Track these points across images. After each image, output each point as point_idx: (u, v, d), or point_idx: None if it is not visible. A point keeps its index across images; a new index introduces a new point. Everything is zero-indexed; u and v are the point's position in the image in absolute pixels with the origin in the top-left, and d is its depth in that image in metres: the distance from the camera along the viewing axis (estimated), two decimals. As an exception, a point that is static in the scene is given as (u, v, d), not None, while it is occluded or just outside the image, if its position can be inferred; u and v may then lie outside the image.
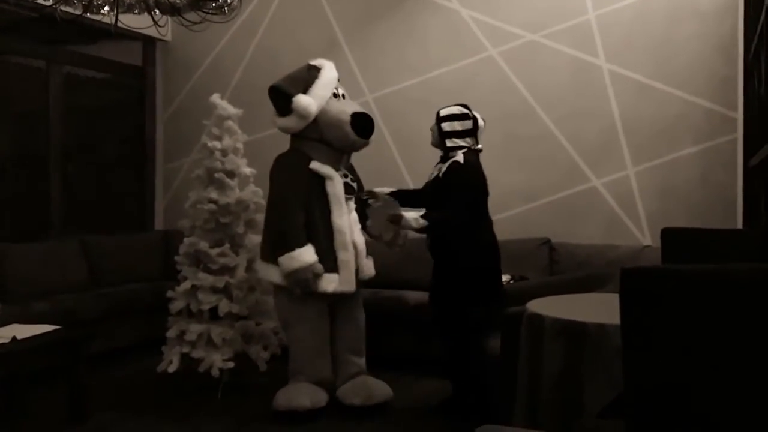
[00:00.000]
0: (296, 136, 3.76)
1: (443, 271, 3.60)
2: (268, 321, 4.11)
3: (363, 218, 3.76)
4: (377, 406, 3.69)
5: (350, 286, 3.68)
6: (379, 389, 3.74)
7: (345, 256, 3.65)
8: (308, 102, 3.63)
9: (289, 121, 3.70)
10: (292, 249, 3.52)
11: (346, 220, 3.68)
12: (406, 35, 5.38)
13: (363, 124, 3.68)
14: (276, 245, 3.61)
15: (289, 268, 3.53)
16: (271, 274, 3.68)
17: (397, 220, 3.50)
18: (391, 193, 3.72)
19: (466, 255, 3.50)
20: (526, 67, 5.00)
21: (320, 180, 3.65)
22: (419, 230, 3.53)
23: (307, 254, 3.53)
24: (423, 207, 3.62)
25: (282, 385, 3.71)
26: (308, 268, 3.52)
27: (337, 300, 3.74)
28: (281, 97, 3.69)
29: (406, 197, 3.76)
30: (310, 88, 3.68)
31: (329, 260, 3.61)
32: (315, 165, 3.65)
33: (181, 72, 6.25)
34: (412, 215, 3.50)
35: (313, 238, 3.60)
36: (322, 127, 3.68)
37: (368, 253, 3.84)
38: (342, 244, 3.65)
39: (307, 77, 3.73)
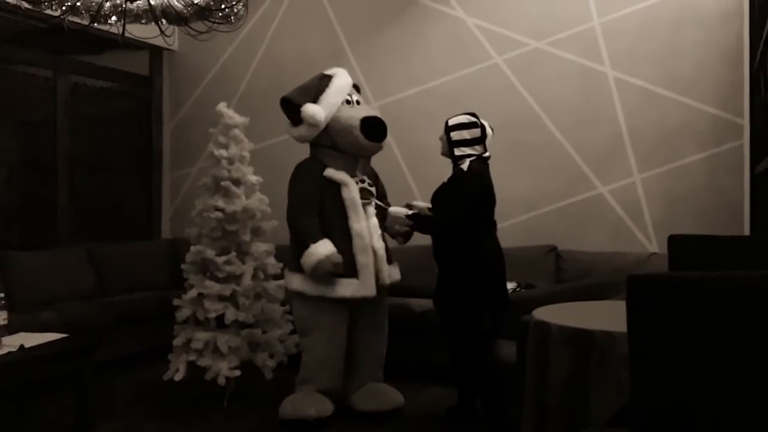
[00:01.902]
0: (312, 145, 3.81)
1: (447, 278, 3.60)
2: (275, 329, 4.11)
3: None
4: (389, 412, 3.71)
5: (370, 291, 3.66)
6: (392, 396, 3.77)
7: (364, 260, 3.64)
8: (315, 110, 3.65)
9: (300, 130, 3.75)
10: (307, 246, 3.56)
11: (365, 224, 3.68)
12: (411, 44, 5.40)
13: (373, 127, 3.70)
14: (296, 251, 3.64)
15: (309, 264, 3.55)
16: (289, 281, 3.73)
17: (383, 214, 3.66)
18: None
19: (471, 262, 3.50)
20: (532, 74, 5.00)
21: (336, 186, 3.67)
22: (411, 227, 3.65)
23: (322, 247, 3.55)
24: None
25: (288, 393, 3.71)
26: (326, 260, 3.53)
27: (359, 306, 3.73)
28: (291, 108, 3.73)
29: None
30: (320, 97, 3.71)
31: (349, 264, 3.61)
32: (329, 172, 3.68)
33: (188, 81, 6.28)
34: (401, 211, 3.62)
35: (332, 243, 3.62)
36: (333, 134, 3.70)
37: (393, 260, 3.87)
38: (361, 248, 3.65)
39: (319, 86, 3.75)
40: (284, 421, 3.59)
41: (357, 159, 3.77)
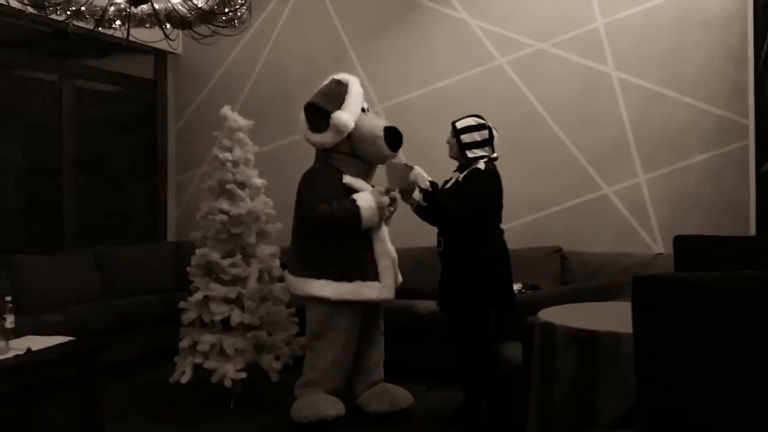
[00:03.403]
0: (325, 151, 3.75)
1: (452, 278, 3.60)
2: (280, 331, 4.12)
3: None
4: (400, 412, 3.73)
5: (391, 294, 3.70)
6: (402, 396, 3.79)
7: (386, 263, 3.68)
8: (347, 118, 3.63)
9: (325, 137, 3.68)
10: (355, 210, 3.54)
11: (384, 230, 3.74)
12: (415, 45, 5.41)
13: (396, 138, 3.70)
14: (314, 255, 3.63)
15: (371, 217, 3.57)
16: (308, 287, 3.64)
17: (409, 168, 3.53)
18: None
19: (477, 263, 3.51)
20: (535, 76, 5.00)
21: (354, 193, 3.65)
22: (423, 192, 3.50)
23: (363, 200, 3.57)
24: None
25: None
26: (379, 204, 3.57)
27: (369, 310, 3.75)
28: (318, 114, 3.67)
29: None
30: (344, 104, 3.67)
31: (371, 269, 3.63)
32: (348, 179, 3.66)
33: (192, 84, 6.30)
34: (425, 176, 3.52)
35: (352, 249, 3.62)
36: (355, 142, 3.68)
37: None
38: (383, 252, 3.69)
39: (340, 92, 3.71)
40: (301, 425, 3.56)
41: (372, 167, 3.79)
